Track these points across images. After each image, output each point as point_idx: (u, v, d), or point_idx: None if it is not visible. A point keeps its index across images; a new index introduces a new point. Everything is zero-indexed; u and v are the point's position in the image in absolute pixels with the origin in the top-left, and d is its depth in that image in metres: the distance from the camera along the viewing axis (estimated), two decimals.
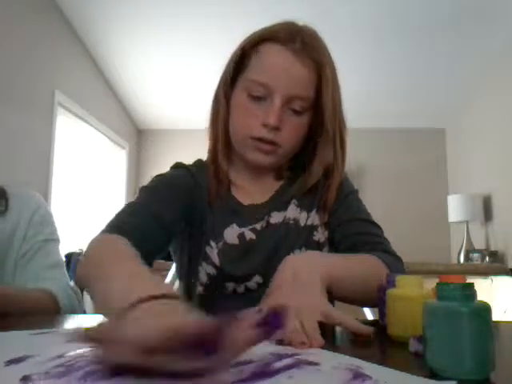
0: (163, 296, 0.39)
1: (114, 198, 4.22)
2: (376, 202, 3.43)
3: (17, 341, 0.46)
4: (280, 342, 0.46)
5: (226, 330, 0.30)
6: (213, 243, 0.77)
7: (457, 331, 0.36)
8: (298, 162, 0.85)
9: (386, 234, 0.81)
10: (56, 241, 0.96)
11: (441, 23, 2.97)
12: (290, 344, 0.45)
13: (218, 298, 0.77)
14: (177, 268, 0.88)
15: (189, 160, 0.88)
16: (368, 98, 3.87)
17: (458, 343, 0.36)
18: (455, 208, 3.53)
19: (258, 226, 0.79)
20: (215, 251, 0.76)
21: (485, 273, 2.17)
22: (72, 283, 0.92)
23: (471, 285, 0.38)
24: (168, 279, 1.75)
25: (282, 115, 0.72)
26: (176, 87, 4.03)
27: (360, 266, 0.67)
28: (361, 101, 3.77)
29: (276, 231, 0.79)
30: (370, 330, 0.51)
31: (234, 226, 0.78)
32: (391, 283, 0.55)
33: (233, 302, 0.76)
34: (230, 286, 0.76)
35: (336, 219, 0.81)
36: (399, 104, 4.07)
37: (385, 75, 3.64)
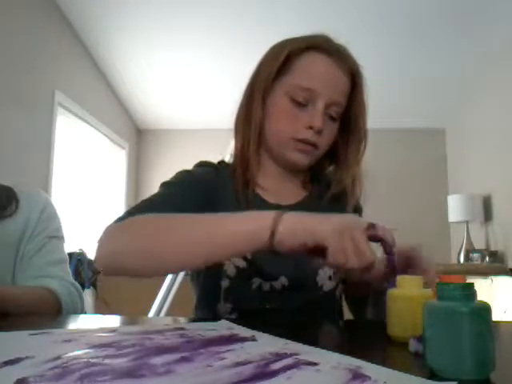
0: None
1: (114, 198, 4.22)
2: (376, 201, 3.41)
3: (15, 341, 0.46)
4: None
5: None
6: None
7: (457, 331, 0.36)
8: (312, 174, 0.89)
9: None
10: (60, 238, 0.97)
11: (440, 23, 2.97)
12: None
13: (243, 292, 0.77)
14: None
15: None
16: (368, 97, 3.87)
17: (458, 343, 0.36)
18: (455, 208, 3.53)
19: None
20: None
21: (485, 273, 2.18)
22: (74, 281, 0.93)
23: (471, 285, 0.38)
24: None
25: (324, 120, 0.77)
26: (176, 87, 4.03)
27: None
28: None
29: None
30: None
31: None
32: (391, 283, 0.55)
33: (258, 300, 0.76)
34: (257, 282, 0.76)
35: None
36: (399, 104, 4.07)
37: (385, 75, 3.64)
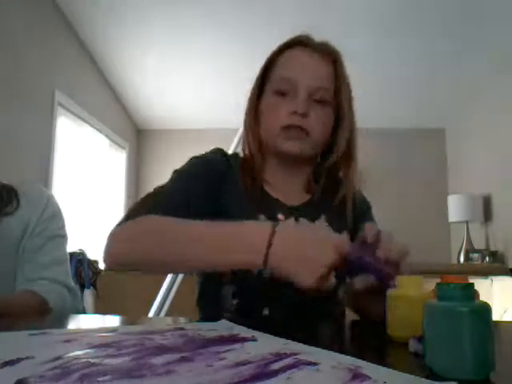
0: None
1: (114, 198, 4.22)
2: (376, 201, 3.40)
3: (15, 341, 0.46)
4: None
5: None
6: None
7: (457, 331, 0.36)
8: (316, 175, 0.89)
9: None
10: (62, 237, 0.96)
11: (441, 24, 2.97)
12: None
13: (246, 278, 0.76)
14: None
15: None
16: (367, 98, 3.87)
17: (458, 343, 0.36)
18: (455, 208, 3.53)
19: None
20: None
21: (485, 273, 2.17)
22: (68, 282, 0.92)
23: (471, 285, 0.38)
24: None
25: (307, 105, 0.78)
26: (176, 87, 4.03)
27: None
28: (360, 101, 3.76)
29: None
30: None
31: (267, 215, 0.79)
32: (391, 285, 0.55)
33: (267, 289, 0.74)
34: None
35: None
36: (399, 104, 4.07)
37: (384, 75, 3.64)
